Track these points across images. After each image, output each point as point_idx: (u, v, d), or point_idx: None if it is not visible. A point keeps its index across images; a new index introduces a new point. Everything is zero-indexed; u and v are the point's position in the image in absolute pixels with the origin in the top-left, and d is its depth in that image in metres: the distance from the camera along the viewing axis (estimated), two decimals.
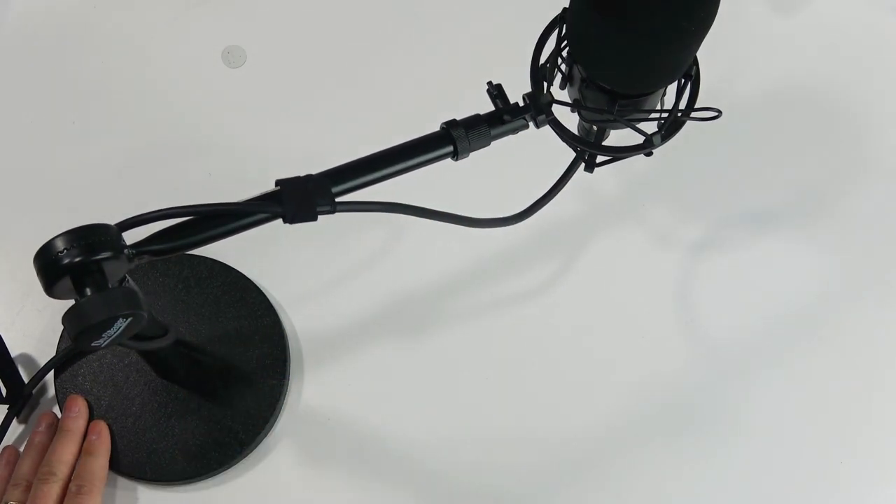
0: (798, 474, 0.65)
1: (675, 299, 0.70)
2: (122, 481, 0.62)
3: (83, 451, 0.61)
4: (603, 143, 0.54)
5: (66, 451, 0.60)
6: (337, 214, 0.47)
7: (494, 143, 0.52)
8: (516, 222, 0.58)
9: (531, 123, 0.52)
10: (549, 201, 0.58)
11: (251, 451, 0.63)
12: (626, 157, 0.53)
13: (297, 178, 0.47)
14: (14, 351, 0.66)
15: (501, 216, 0.57)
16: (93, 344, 0.44)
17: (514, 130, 0.52)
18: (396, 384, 0.66)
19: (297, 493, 0.63)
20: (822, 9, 0.82)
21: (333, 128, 0.75)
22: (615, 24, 0.43)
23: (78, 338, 0.43)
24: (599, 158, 0.55)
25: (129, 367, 0.64)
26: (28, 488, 0.58)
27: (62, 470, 0.58)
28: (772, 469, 0.65)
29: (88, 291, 0.43)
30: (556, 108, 0.51)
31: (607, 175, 0.73)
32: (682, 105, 0.50)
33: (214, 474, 0.63)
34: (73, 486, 0.58)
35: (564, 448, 0.65)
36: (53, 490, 0.57)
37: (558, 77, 0.52)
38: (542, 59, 0.52)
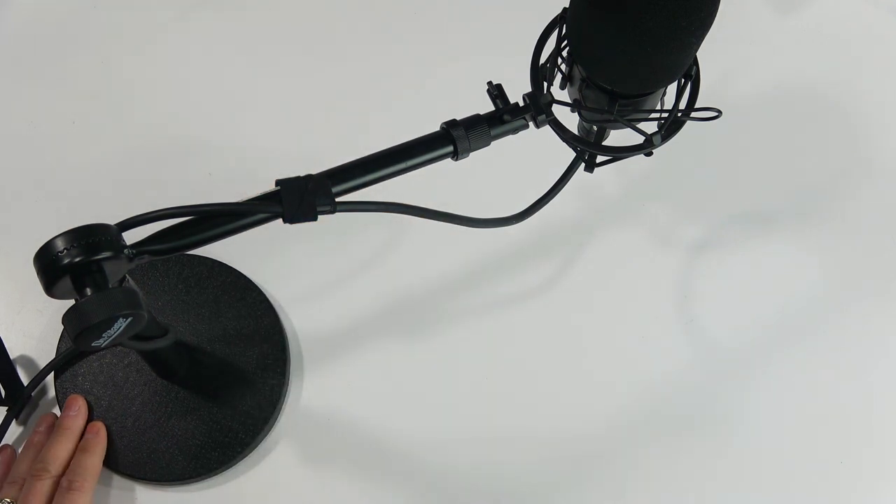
0: (798, 474, 0.64)
1: (675, 300, 0.70)
2: (122, 481, 0.62)
3: (79, 448, 0.60)
4: (603, 143, 0.54)
5: (61, 449, 0.59)
6: (337, 214, 0.47)
7: (494, 143, 0.52)
8: (516, 222, 0.58)
9: (531, 123, 0.52)
10: (549, 201, 0.58)
11: (251, 451, 0.63)
12: (626, 157, 0.53)
13: (297, 178, 0.47)
14: (14, 351, 0.66)
15: (501, 216, 0.57)
16: (93, 344, 0.44)
17: (514, 130, 0.52)
18: (396, 384, 0.66)
19: (297, 492, 0.63)
20: (822, 9, 0.82)
21: (333, 127, 0.75)
22: (615, 24, 0.43)
23: (78, 338, 0.43)
24: (599, 158, 0.55)
25: (129, 367, 0.64)
26: None
27: (55, 466, 0.58)
28: (772, 469, 0.64)
29: (88, 291, 0.43)
30: (556, 108, 0.51)
31: (607, 175, 0.73)
32: (682, 105, 0.50)
33: (214, 474, 0.63)
34: (64, 482, 0.58)
35: (564, 448, 0.65)
36: (45, 486, 0.57)
37: (558, 77, 0.52)
38: (542, 59, 0.52)
